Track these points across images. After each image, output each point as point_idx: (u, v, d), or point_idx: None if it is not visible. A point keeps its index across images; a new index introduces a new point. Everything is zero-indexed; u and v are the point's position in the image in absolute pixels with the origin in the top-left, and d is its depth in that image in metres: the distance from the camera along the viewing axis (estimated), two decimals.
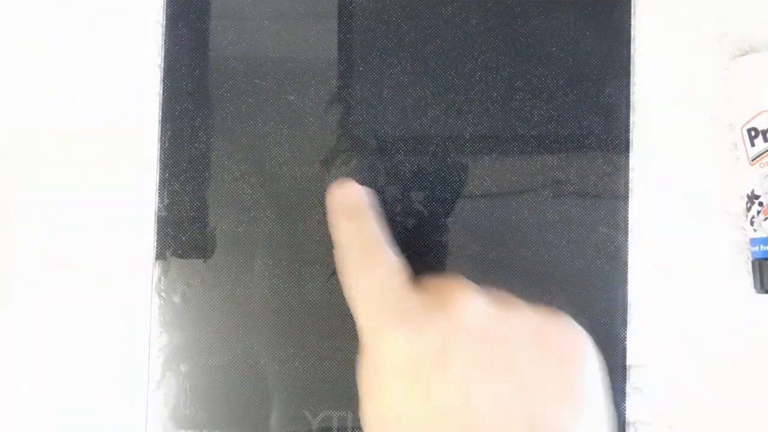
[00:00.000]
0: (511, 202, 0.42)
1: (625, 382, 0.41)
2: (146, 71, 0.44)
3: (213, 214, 0.43)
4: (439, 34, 0.43)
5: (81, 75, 0.44)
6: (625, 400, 0.41)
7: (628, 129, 0.42)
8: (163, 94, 0.43)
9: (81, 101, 0.44)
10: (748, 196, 0.41)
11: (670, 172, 0.43)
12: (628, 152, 0.42)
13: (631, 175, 0.42)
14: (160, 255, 0.43)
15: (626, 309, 0.42)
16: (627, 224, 0.42)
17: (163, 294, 0.42)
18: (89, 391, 0.43)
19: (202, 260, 0.42)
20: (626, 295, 0.42)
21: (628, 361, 0.41)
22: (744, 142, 0.41)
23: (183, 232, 0.43)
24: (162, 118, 0.43)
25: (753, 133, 0.41)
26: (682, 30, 0.43)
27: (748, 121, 0.41)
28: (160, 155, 0.43)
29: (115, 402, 0.43)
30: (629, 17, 0.43)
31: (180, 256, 0.43)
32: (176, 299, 0.42)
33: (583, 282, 0.42)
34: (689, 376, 0.42)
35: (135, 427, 0.42)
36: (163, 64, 0.43)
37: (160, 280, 0.43)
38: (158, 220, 0.43)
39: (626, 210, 0.42)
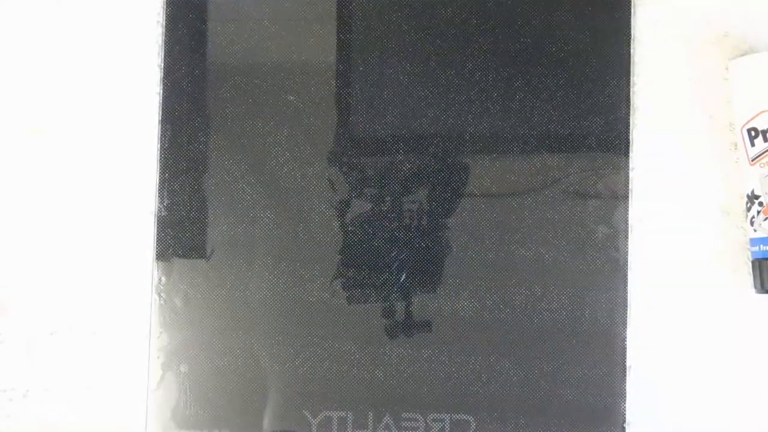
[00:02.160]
0: (511, 202, 0.42)
1: (625, 382, 0.41)
2: (146, 71, 0.44)
3: (213, 214, 0.43)
4: (439, 34, 0.43)
5: (81, 75, 0.44)
6: (625, 400, 0.41)
7: (628, 129, 0.42)
8: (162, 94, 0.43)
9: (81, 101, 0.44)
10: (748, 196, 0.41)
11: (670, 172, 0.43)
12: (628, 152, 0.42)
13: (631, 175, 0.42)
14: (161, 255, 0.43)
15: (626, 309, 0.42)
16: (627, 224, 0.42)
17: (163, 294, 0.42)
18: (89, 390, 0.43)
19: (202, 260, 0.42)
20: (626, 295, 0.42)
21: (628, 361, 0.41)
22: (744, 142, 0.41)
23: (183, 232, 0.43)
24: (162, 118, 0.43)
25: (753, 133, 0.41)
26: (682, 30, 0.43)
27: (748, 121, 0.41)
28: (160, 155, 0.43)
29: (115, 402, 0.43)
30: (629, 17, 0.43)
31: (180, 256, 0.43)
32: (176, 299, 0.42)
33: (583, 282, 0.42)
34: (689, 376, 0.42)
35: (135, 427, 0.42)
36: (163, 64, 0.43)
37: (160, 280, 0.43)
38: (158, 220, 0.43)
39: (626, 210, 0.42)
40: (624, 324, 0.42)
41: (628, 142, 0.42)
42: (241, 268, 0.42)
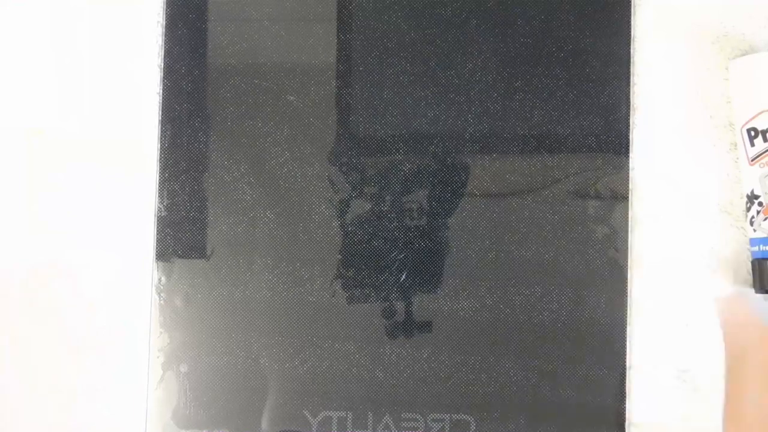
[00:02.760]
0: (511, 202, 0.42)
1: (625, 382, 0.41)
2: (146, 71, 0.44)
3: (213, 214, 0.43)
4: (439, 34, 0.43)
5: (81, 75, 0.44)
6: (625, 400, 0.41)
7: (628, 129, 0.42)
8: (162, 95, 0.43)
9: (81, 102, 0.44)
10: (748, 196, 0.41)
11: (670, 172, 0.43)
12: (628, 152, 0.42)
13: (631, 175, 0.42)
14: (161, 255, 0.43)
15: (626, 309, 0.42)
16: (627, 224, 0.42)
17: (163, 294, 0.42)
18: (90, 390, 0.43)
19: (202, 260, 0.42)
20: (626, 295, 0.42)
21: (628, 361, 0.41)
22: (744, 142, 0.41)
23: (183, 232, 0.43)
24: (162, 118, 0.43)
25: (753, 133, 0.41)
26: (682, 30, 0.43)
27: (748, 121, 0.41)
28: (160, 155, 0.43)
29: (115, 402, 0.43)
30: (629, 17, 0.43)
31: (180, 256, 0.43)
32: (176, 299, 0.42)
33: (583, 282, 0.42)
34: (689, 376, 0.42)
35: (135, 427, 0.42)
36: (162, 65, 0.43)
37: (160, 280, 0.43)
38: (158, 220, 0.43)
39: (626, 210, 0.42)
40: (624, 324, 0.42)
41: (628, 142, 0.42)
42: (241, 268, 0.42)
